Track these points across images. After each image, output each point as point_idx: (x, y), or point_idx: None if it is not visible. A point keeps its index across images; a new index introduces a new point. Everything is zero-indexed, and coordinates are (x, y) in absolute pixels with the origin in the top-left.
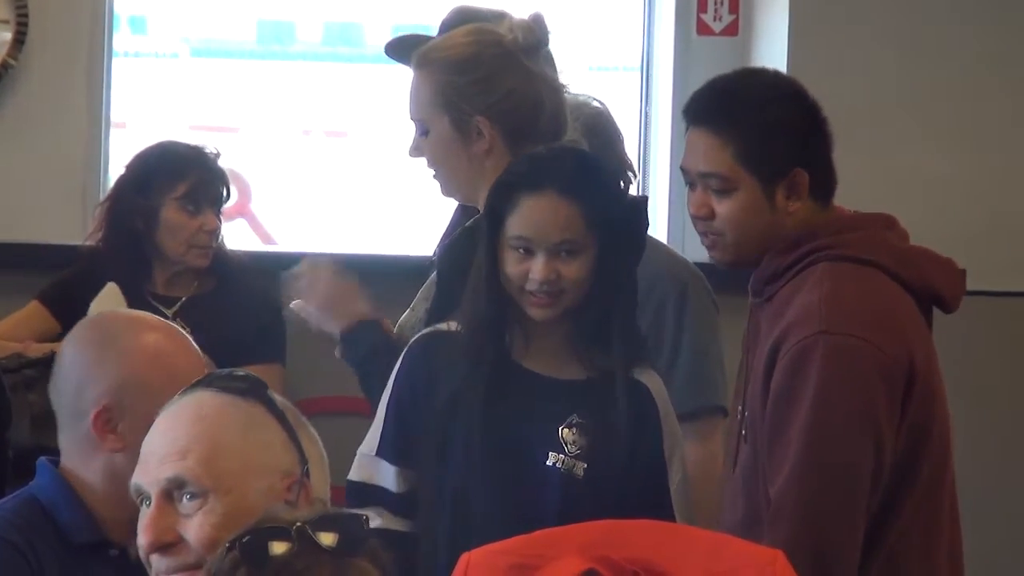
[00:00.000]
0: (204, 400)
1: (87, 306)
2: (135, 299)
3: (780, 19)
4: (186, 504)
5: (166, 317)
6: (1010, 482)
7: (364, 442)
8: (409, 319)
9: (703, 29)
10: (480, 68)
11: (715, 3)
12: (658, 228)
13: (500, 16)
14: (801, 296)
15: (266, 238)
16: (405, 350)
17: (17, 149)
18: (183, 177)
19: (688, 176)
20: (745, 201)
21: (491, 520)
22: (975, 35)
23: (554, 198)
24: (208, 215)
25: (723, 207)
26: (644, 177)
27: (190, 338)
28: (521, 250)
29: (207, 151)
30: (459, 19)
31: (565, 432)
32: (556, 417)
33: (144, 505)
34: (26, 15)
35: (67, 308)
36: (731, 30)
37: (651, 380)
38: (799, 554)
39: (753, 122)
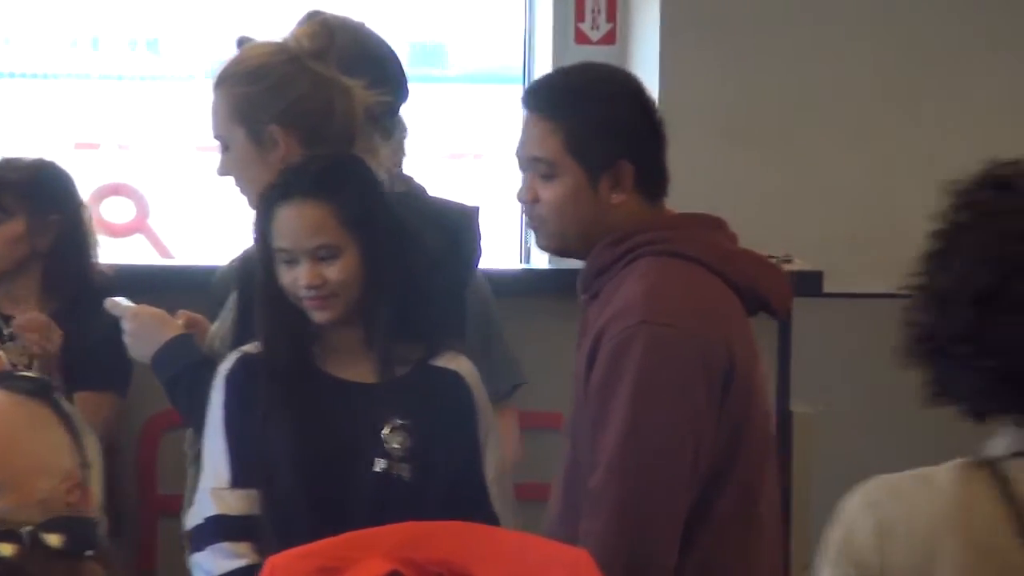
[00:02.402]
0: None
1: None
2: None
3: (653, 27)
4: None
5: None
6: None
7: (205, 478)
8: (219, 329)
9: (581, 38)
10: (268, 77)
11: (593, 12)
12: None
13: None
14: (624, 289)
15: (164, 252)
16: (220, 377)
17: None
18: None
19: (520, 162)
20: (569, 188)
21: (320, 533)
22: (846, 35)
23: (302, 204)
24: None
25: (547, 192)
26: None
27: None
28: (286, 261)
29: None
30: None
31: (387, 435)
32: (375, 421)
33: None
34: None
35: None
36: (609, 39)
37: (460, 364)
38: (614, 548)
39: (582, 110)
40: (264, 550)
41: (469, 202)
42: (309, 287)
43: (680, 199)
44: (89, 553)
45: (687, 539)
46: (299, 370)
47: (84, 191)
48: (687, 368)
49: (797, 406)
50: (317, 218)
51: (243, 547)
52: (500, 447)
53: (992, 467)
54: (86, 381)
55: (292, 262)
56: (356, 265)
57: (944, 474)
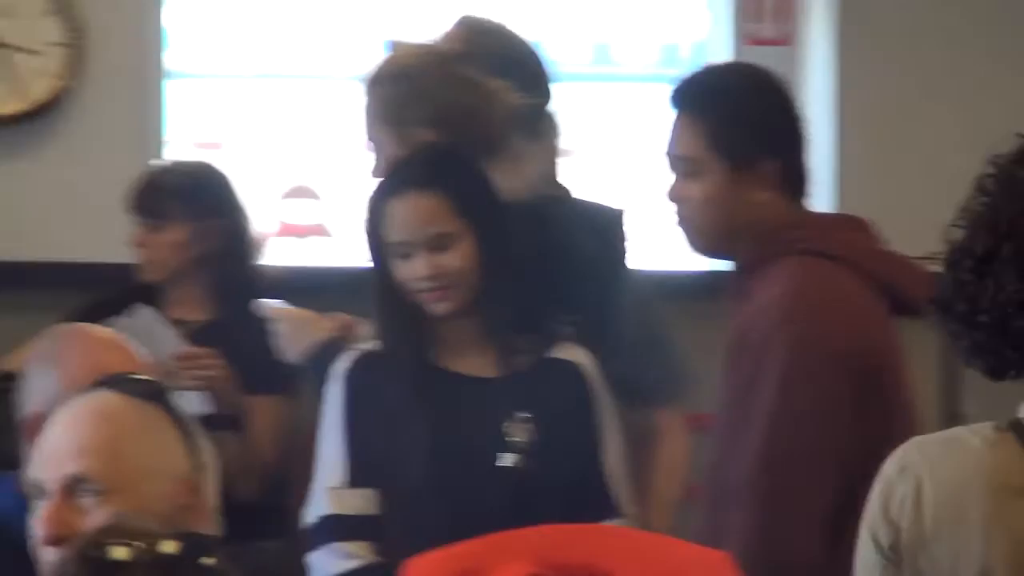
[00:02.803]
0: (107, 400)
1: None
2: (156, 322)
3: (828, 28)
4: (85, 500)
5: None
6: None
7: (321, 476)
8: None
9: (753, 39)
10: (415, 80)
11: (765, 12)
12: None
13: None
14: (768, 287)
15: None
16: (337, 375)
17: (74, 170)
18: None
19: (668, 161)
20: (713, 185)
21: (447, 532)
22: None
23: (413, 196)
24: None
25: (693, 191)
26: None
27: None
28: (402, 255)
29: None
30: (464, 31)
31: (510, 430)
32: (498, 416)
33: (39, 499)
34: (82, 37)
35: None
36: (783, 40)
37: (577, 355)
38: (757, 543)
39: (725, 107)
40: (382, 550)
41: (615, 204)
42: (427, 278)
43: (852, 199)
44: (206, 561)
45: (836, 534)
46: (420, 366)
47: (269, 191)
48: (830, 367)
49: (970, 407)
50: (430, 207)
51: (358, 547)
52: (671, 453)
53: (1018, 428)
54: (257, 385)
55: (407, 256)
56: (472, 252)
57: (974, 435)
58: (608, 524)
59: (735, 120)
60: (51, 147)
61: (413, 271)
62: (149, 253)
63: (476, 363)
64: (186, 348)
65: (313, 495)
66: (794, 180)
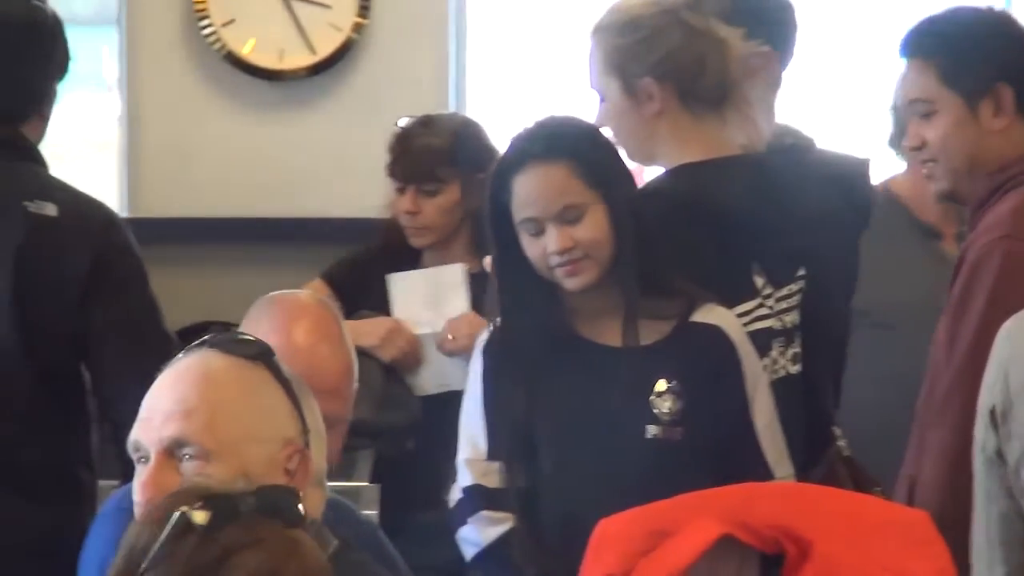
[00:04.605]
0: (211, 361)
1: (369, 288)
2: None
3: None
4: (186, 464)
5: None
6: None
7: (462, 449)
8: None
9: None
10: (641, 28)
11: None
12: None
13: None
14: (995, 209)
15: None
16: (477, 349)
17: (362, 123)
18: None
19: (902, 112)
20: (950, 121)
21: (593, 502)
22: None
23: (540, 168)
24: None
25: (931, 132)
26: None
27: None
28: (532, 233)
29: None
30: None
31: (655, 400)
32: (641, 386)
33: (141, 462)
34: None
35: (350, 289)
36: None
37: (721, 317)
38: (953, 461)
39: (952, 42)
40: (528, 520)
41: (859, 154)
42: (560, 252)
43: None
44: (291, 523)
45: None
46: (559, 338)
47: None
48: None
49: None
50: (558, 179)
51: (505, 516)
52: None
53: None
54: None
55: (538, 233)
56: (604, 222)
57: None
58: (802, 483)
59: (963, 52)
60: (337, 101)
61: (544, 247)
62: (422, 219)
63: (615, 333)
64: (466, 316)
65: (457, 470)
66: None
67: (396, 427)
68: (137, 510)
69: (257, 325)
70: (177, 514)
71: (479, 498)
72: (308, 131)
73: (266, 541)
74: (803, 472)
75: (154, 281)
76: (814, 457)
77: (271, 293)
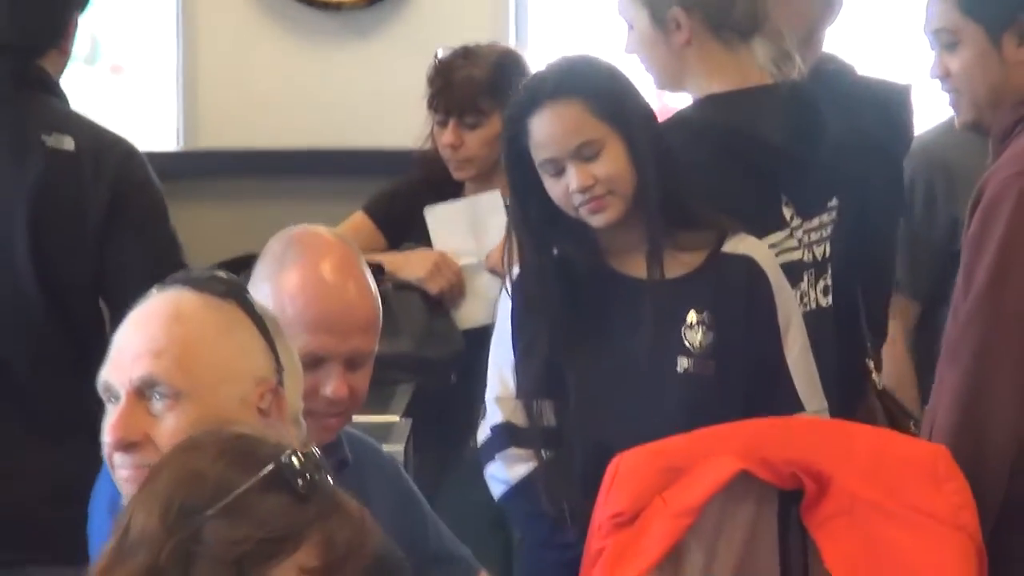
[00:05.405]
0: (182, 299)
1: (411, 221)
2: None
3: None
4: (156, 404)
5: None
6: None
7: (491, 388)
8: None
9: None
10: None
11: None
12: None
13: None
14: (1016, 142)
15: None
16: (510, 288)
17: (420, 54)
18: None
19: (927, 41)
20: (973, 51)
21: (624, 436)
22: None
23: (553, 108)
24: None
25: (954, 62)
26: None
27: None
28: (552, 173)
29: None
30: None
31: (687, 332)
32: (673, 319)
33: (111, 402)
34: None
35: (392, 222)
36: None
37: (752, 247)
38: (965, 399)
39: None
40: (558, 456)
41: (901, 80)
42: (582, 190)
43: None
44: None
45: None
46: (589, 271)
47: None
48: None
49: None
50: (573, 116)
51: (533, 455)
52: None
53: None
54: None
55: (558, 173)
56: (622, 156)
57: None
58: (821, 418)
59: None
60: (395, 32)
61: (566, 187)
62: (464, 151)
63: (644, 265)
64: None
65: (486, 408)
66: None
67: (439, 361)
68: (106, 451)
69: (280, 262)
70: (271, 466)
71: (508, 436)
72: (366, 62)
73: (346, 510)
74: (841, 406)
75: (206, 211)
76: (849, 391)
77: (288, 228)
